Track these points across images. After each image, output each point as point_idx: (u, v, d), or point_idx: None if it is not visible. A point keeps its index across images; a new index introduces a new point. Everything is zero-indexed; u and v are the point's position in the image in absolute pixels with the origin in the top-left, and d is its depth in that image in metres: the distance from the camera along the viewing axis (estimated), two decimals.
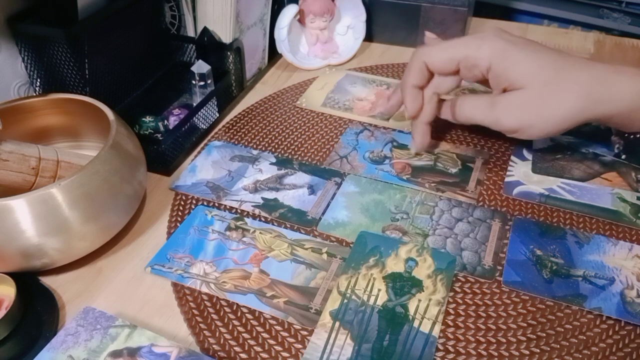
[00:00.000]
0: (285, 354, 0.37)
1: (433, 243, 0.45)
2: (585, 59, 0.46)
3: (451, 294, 0.41)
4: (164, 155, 0.53)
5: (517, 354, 0.37)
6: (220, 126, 0.60)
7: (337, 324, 0.38)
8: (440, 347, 0.37)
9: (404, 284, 0.41)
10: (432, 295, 0.40)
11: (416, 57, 0.49)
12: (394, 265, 0.42)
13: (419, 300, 0.40)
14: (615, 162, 0.52)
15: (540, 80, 0.44)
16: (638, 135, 0.50)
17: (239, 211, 0.48)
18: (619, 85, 0.43)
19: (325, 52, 0.70)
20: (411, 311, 0.39)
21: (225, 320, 0.39)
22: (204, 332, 0.39)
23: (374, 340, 0.37)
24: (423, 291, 0.40)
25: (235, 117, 0.61)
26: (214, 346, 0.38)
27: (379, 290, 0.41)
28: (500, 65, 0.45)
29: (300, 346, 0.38)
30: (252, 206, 0.48)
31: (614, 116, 0.44)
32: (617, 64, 0.44)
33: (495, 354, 0.37)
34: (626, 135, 0.52)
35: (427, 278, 0.41)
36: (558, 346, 0.37)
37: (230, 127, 0.59)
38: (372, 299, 0.40)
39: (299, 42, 0.71)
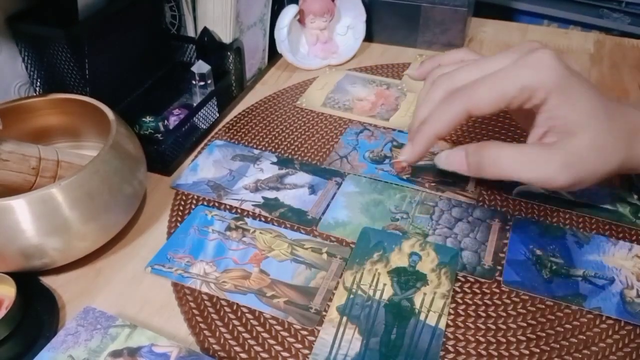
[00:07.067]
0: (285, 354, 0.37)
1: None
2: (620, 104, 0.39)
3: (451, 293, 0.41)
4: (164, 155, 0.53)
5: (517, 354, 0.37)
6: (220, 126, 0.60)
7: (345, 319, 0.39)
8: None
9: (408, 278, 0.41)
10: (437, 288, 0.40)
11: (456, 105, 0.37)
12: (398, 259, 0.42)
13: (424, 294, 0.40)
14: None
15: (596, 127, 0.36)
16: None
17: (239, 210, 0.48)
18: None
19: (325, 52, 0.70)
20: (417, 305, 0.39)
21: (225, 320, 0.39)
22: (204, 332, 0.39)
23: (382, 334, 0.38)
24: (428, 285, 0.41)
25: (236, 117, 0.61)
26: (214, 346, 0.38)
27: (384, 284, 0.41)
28: (559, 99, 0.36)
29: (300, 346, 0.38)
30: (253, 205, 0.48)
31: None
32: None
33: (495, 354, 0.37)
34: None
35: (431, 272, 0.42)
36: (558, 346, 0.37)
37: (231, 127, 0.59)
38: (378, 293, 0.40)
39: (299, 42, 0.71)
